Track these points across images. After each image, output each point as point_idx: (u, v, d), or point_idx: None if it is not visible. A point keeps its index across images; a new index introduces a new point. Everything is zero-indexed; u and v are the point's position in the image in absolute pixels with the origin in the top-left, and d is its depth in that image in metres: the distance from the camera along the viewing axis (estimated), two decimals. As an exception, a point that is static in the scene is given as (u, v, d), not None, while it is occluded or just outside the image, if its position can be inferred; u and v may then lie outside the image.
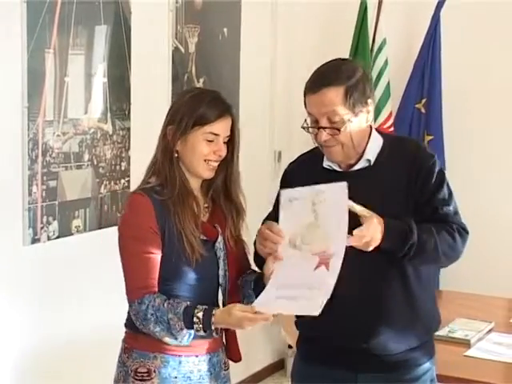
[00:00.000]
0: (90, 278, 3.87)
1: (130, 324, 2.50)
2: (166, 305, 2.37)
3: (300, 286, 2.41)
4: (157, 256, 2.41)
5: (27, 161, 3.52)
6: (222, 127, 2.45)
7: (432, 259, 2.56)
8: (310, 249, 2.43)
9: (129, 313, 2.49)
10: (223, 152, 2.47)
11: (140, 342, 2.47)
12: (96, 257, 3.87)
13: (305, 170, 2.73)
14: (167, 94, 4.33)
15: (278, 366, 5.55)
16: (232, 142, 2.51)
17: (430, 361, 2.67)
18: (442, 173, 2.60)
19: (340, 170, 2.62)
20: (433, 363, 2.68)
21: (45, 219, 3.62)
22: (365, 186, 2.53)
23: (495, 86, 5.12)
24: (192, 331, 2.37)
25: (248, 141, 5.00)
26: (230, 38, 4.82)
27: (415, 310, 2.59)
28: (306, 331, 2.71)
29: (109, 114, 3.95)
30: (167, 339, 2.41)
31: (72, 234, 3.79)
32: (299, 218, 2.45)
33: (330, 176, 2.57)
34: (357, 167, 2.60)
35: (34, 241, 3.59)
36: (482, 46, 5.12)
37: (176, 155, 2.47)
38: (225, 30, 4.78)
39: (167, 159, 2.47)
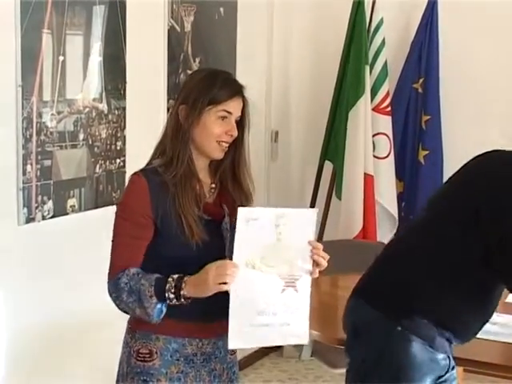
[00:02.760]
0: (86, 257, 3.85)
1: None
2: (140, 274, 2.38)
3: (270, 311, 2.38)
4: (144, 241, 2.42)
5: (21, 140, 3.50)
6: (234, 106, 2.45)
7: None
8: (273, 271, 2.37)
9: None
10: (235, 132, 2.46)
11: (143, 323, 2.45)
12: (92, 236, 3.84)
13: None
14: (163, 73, 4.32)
15: (274, 348, 5.50)
16: (242, 124, 2.50)
17: None
18: None
19: None
20: None
21: (39, 199, 3.61)
22: None
23: (492, 65, 5.13)
24: (163, 305, 2.35)
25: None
26: (226, 17, 4.81)
27: None
28: None
29: (104, 94, 3.93)
30: (139, 312, 2.37)
31: (67, 214, 3.77)
32: (259, 239, 2.35)
33: None
34: None
35: (29, 220, 3.58)
36: (479, 25, 5.12)
37: (186, 134, 2.45)
38: (221, 9, 4.76)
39: (178, 139, 2.45)
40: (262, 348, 5.39)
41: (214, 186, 2.53)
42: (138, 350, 2.48)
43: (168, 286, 2.33)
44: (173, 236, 2.41)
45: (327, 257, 2.42)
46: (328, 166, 5.28)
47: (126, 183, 2.54)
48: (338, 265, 4.01)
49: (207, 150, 2.48)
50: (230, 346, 2.39)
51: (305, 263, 2.41)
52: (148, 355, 2.46)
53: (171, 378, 2.47)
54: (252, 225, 2.34)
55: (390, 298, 2.77)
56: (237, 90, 2.47)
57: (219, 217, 2.48)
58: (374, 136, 5.11)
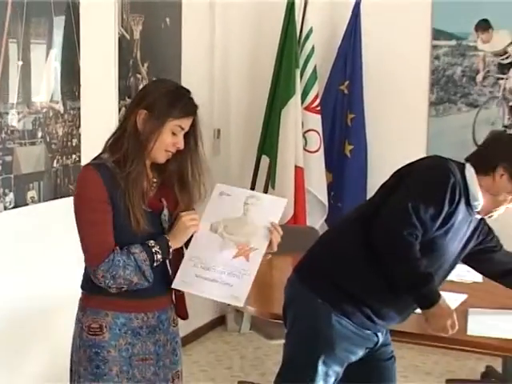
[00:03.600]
0: (46, 244, 3.83)
1: (84, 286, 2.51)
2: (125, 249, 2.41)
3: (218, 269, 2.49)
4: (109, 224, 2.40)
5: (-16, 138, 3.47)
6: (187, 123, 2.46)
7: None
8: (232, 238, 2.50)
9: (85, 275, 2.49)
10: (182, 145, 2.46)
11: (93, 301, 2.47)
12: (51, 225, 3.83)
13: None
14: (114, 77, 4.28)
15: (218, 322, 5.55)
16: (195, 136, 2.50)
17: None
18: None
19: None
20: None
21: (1, 191, 3.57)
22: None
23: (408, 69, 5.21)
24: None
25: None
26: (171, 26, 4.78)
27: None
28: None
29: (60, 95, 3.90)
30: (136, 279, 2.41)
31: (27, 205, 3.73)
32: (226, 211, 2.51)
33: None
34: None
35: (-8, 210, 3.55)
36: (396, 33, 5.19)
37: (142, 138, 2.43)
38: (167, 19, 4.73)
39: (136, 141, 2.43)
40: (207, 323, 5.42)
41: (155, 180, 2.53)
42: (89, 325, 2.47)
43: (154, 249, 2.42)
44: (120, 226, 2.41)
45: (279, 239, 2.51)
46: (265, 160, 5.29)
47: (78, 177, 2.51)
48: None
49: (154, 155, 2.47)
50: (173, 286, 2.51)
51: (262, 240, 2.50)
52: (98, 329, 2.46)
53: (120, 349, 2.47)
54: (223, 198, 2.52)
55: (315, 274, 2.82)
56: (194, 111, 2.48)
57: (158, 209, 2.49)
58: (306, 132, 5.15)
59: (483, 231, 2.96)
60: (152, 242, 2.43)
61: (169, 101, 2.44)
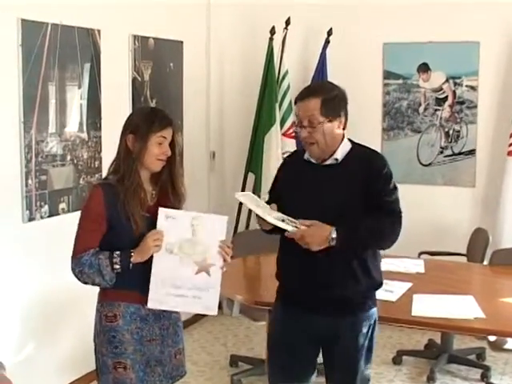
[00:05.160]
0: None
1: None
2: (97, 252, 2.38)
3: (185, 286, 2.38)
4: (98, 233, 2.40)
5: (24, 161, 3.49)
6: (168, 133, 2.44)
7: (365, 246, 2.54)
8: (188, 257, 2.37)
9: None
10: (169, 152, 2.45)
11: (108, 295, 2.46)
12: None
13: (292, 162, 2.75)
14: (129, 110, 4.23)
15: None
16: (173, 146, 2.48)
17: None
18: (388, 173, 2.58)
19: (315, 162, 2.61)
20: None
21: (38, 203, 3.59)
22: (331, 177, 2.56)
23: (366, 101, 5.15)
24: (114, 273, 2.37)
25: (189, 144, 5.08)
26: (174, 69, 4.77)
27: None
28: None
29: (85, 126, 3.92)
30: (97, 280, 2.38)
31: (59, 214, 3.75)
32: (176, 233, 2.35)
33: (309, 166, 2.61)
34: (327, 162, 2.60)
35: (31, 219, 3.56)
36: (356, 73, 5.17)
37: (133, 156, 2.42)
38: (171, 64, 4.72)
39: (128, 160, 2.42)
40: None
41: (154, 192, 2.51)
42: (105, 314, 2.46)
43: (115, 260, 2.36)
44: (122, 229, 2.40)
45: (231, 253, 2.43)
46: (251, 176, 5.25)
47: (88, 193, 2.52)
48: (257, 249, 4.09)
49: (149, 166, 2.45)
50: (149, 306, 2.40)
51: (216, 256, 2.40)
52: (113, 317, 2.45)
53: (131, 332, 2.46)
54: (170, 221, 2.35)
55: None
56: (169, 121, 2.46)
57: (155, 214, 2.44)
58: (284, 153, 5.03)
59: None
60: (118, 252, 2.36)
61: (147, 120, 2.42)
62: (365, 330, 2.62)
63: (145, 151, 2.41)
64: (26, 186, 3.52)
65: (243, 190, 5.23)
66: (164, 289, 2.37)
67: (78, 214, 3.66)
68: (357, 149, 2.64)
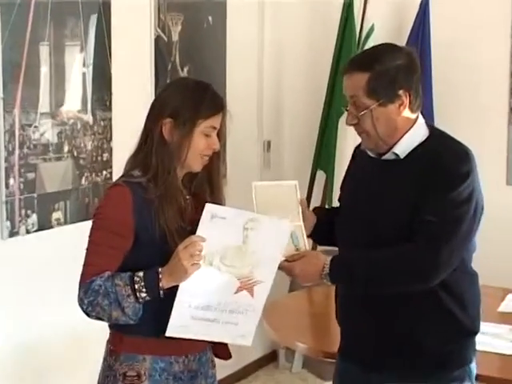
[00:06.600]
0: (72, 271, 3.77)
1: (115, 324, 2.44)
2: (114, 275, 2.34)
3: (219, 308, 2.40)
4: (121, 252, 2.39)
5: (4, 153, 3.48)
6: (219, 120, 2.46)
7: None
8: (232, 271, 2.38)
9: None
10: (218, 146, 2.46)
11: (126, 344, 2.44)
12: (78, 250, 3.76)
13: (361, 153, 2.76)
14: (150, 83, 4.29)
15: (269, 358, 5.53)
16: (220, 136, 2.50)
17: None
18: (453, 183, 2.48)
19: (372, 156, 2.64)
20: None
21: (23, 212, 3.59)
22: (388, 178, 2.58)
23: (484, 69, 5.18)
24: (140, 304, 2.33)
25: (236, 131, 5.01)
26: (215, 26, 4.80)
27: None
28: None
29: (89, 105, 3.93)
30: (116, 315, 2.33)
31: (52, 227, 3.76)
32: (222, 238, 2.35)
33: (368, 160, 2.66)
34: (386, 157, 2.60)
35: (13, 234, 3.56)
36: (470, 31, 5.15)
37: (170, 148, 2.43)
38: (210, 17, 4.75)
39: (164, 155, 2.43)
40: (257, 359, 5.37)
41: (188, 197, 2.51)
42: (124, 372, 2.43)
43: (137, 285, 2.30)
44: (153, 248, 2.37)
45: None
46: (321, 175, 5.28)
47: (107, 192, 2.50)
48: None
49: (190, 164, 2.47)
50: (167, 334, 2.34)
51: (267, 271, 2.42)
52: (136, 377, 2.42)
53: None
54: (216, 222, 2.33)
55: None
56: (223, 105, 2.48)
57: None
58: None
59: None
60: (141, 274, 2.32)
61: (193, 101, 2.43)
62: None
63: (189, 144, 2.42)
64: (7, 187, 3.52)
65: (309, 194, 5.27)
66: (190, 311, 2.37)
67: (77, 227, 3.84)
68: (434, 141, 2.60)
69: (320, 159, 5.23)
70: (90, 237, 2.43)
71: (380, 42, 5.02)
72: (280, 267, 2.50)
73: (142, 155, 2.47)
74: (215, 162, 2.53)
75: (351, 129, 4.99)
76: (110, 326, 2.50)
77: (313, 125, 5.31)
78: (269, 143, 5.45)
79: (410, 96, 2.54)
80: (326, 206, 5.08)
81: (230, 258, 2.37)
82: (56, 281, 3.75)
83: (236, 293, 2.40)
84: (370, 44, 5.08)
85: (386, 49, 2.62)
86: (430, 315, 2.55)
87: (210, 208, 2.33)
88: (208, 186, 2.54)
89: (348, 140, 4.96)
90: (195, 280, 2.33)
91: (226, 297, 2.40)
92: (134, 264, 2.37)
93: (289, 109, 5.58)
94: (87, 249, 2.43)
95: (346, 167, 4.96)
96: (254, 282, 2.41)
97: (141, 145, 2.49)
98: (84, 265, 2.41)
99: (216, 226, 2.33)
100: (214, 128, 2.45)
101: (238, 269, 2.39)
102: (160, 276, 2.30)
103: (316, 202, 5.22)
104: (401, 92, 2.52)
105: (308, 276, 2.55)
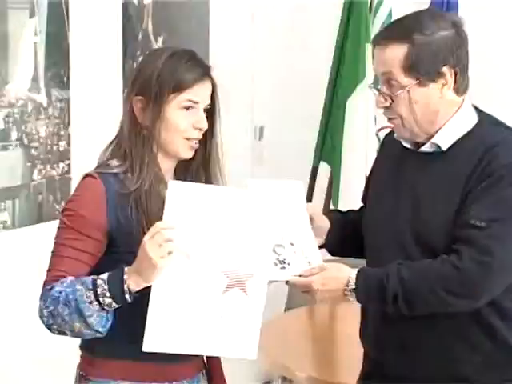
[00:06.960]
0: (22, 282, 3.80)
1: (86, 345, 2.49)
2: (76, 280, 2.34)
3: (205, 313, 2.36)
4: (91, 256, 2.40)
5: None
6: (202, 93, 2.47)
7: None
8: (215, 264, 2.36)
9: None
10: (204, 124, 2.47)
11: (99, 369, 2.47)
12: (30, 257, 3.80)
13: (392, 142, 2.78)
14: (117, 56, 4.33)
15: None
16: (212, 113, 2.53)
17: None
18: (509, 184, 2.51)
19: (409, 147, 2.67)
20: None
21: (-41, 213, 3.63)
22: (427, 174, 2.60)
23: None
24: (108, 312, 2.32)
25: (222, 115, 5.01)
26: (196, -14, 4.85)
27: None
28: None
29: (42, 82, 3.92)
30: (78, 326, 2.31)
31: (-4, 232, 3.78)
32: (196, 223, 2.34)
33: (404, 152, 2.69)
34: (424, 149, 2.63)
35: None
36: None
37: (145, 132, 2.46)
38: (188, -23, 4.80)
39: (138, 140, 2.47)
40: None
41: None
42: None
43: (100, 289, 2.29)
44: (133, 250, 2.33)
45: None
46: (324, 168, 5.28)
47: (78, 184, 2.50)
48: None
49: (174, 149, 2.49)
50: (144, 348, 2.32)
51: (259, 262, 2.41)
52: None
53: None
54: (187, 203, 2.32)
55: None
56: (203, 72, 2.47)
57: None
58: (380, 130, 5.04)
59: None
60: (104, 277, 2.30)
61: (163, 73, 2.44)
62: None
63: (164, 125, 2.45)
64: None
65: (310, 190, 5.22)
66: (169, 320, 2.33)
67: (29, 230, 3.84)
68: (484, 129, 2.61)
69: (324, 149, 5.23)
70: (56, 237, 2.44)
71: (396, 8, 5.09)
72: (293, 284, 2.55)
73: (116, 142, 2.52)
74: (212, 147, 2.55)
75: (361, 112, 5.00)
76: (80, 346, 2.52)
77: (314, 107, 5.29)
78: (261, 129, 5.47)
79: (455, 74, 2.55)
80: (331, 207, 5.07)
81: (212, 248, 2.34)
82: (2, 295, 3.77)
83: (225, 292, 2.37)
84: (385, 10, 5.15)
85: (428, 16, 2.60)
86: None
87: (174, 186, 2.32)
88: (204, 175, 2.57)
89: (357, 126, 5.01)
90: (171, 278, 2.29)
91: (213, 298, 2.36)
92: (111, 265, 2.36)
93: (286, 88, 5.58)
94: (52, 252, 2.43)
95: (354, 159, 4.98)
96: (246, 276, 2.39)
97: (117, 131, 2.53)
98: (48, 270, 2.42)
99: (188, 207, 2.32)
100: (195, 102, 2.45)
101: (223, 261, 2.36)
102: (125, 276, 2.28)
103: (318, 201, 5.21)
104: (445, 69, 2.53)
105: (329, 292, 2.57)
